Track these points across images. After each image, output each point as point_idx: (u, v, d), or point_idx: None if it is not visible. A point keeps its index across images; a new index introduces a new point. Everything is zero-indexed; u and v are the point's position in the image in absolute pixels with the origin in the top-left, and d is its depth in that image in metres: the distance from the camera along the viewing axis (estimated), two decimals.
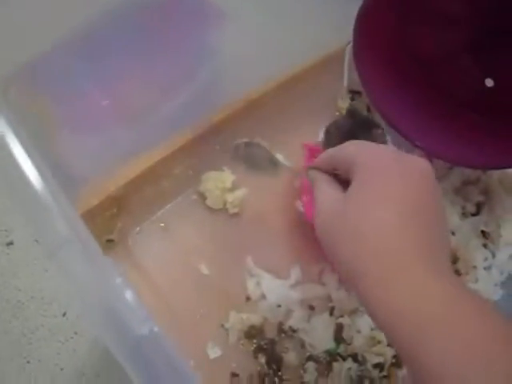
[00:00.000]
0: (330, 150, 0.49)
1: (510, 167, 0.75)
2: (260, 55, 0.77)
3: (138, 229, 0.77)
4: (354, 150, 0.45)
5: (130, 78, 0.72)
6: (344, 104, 0.89)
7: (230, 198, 0.77)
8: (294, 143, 0.79)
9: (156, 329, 0.35)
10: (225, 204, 0.78)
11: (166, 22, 0.72)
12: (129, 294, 0.36)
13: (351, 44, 0.80)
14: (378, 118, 0.84)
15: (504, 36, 0.72)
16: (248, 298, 0.74)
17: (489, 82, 0.77)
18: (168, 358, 0.35)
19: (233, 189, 0.78)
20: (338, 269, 0.41)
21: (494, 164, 0.75)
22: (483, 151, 0.76)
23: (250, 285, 0.74)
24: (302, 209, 0.76)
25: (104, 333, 0.35)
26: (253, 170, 0.75)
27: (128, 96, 0.73)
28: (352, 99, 0.90)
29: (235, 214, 0.78)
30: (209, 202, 0.78)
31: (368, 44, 0.79)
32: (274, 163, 0.76)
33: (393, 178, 0.41)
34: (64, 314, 1.03)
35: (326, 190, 0.46)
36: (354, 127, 0.79)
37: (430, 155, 0.81)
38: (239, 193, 0.78)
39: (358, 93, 0.90)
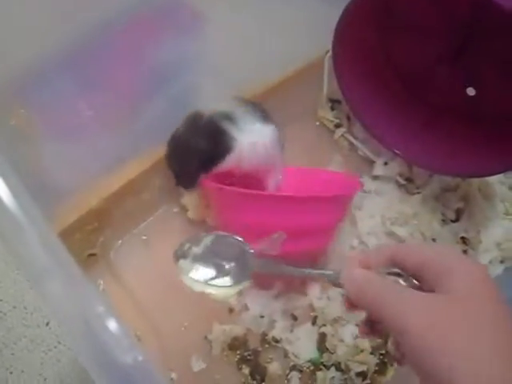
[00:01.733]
0: (406, 248, 0.44)
1: (489, 175, 0.76)
2: (237, 65, 0.77)
3: (119, 242, 0.77)
4: (456, 256, 0.42)
5: (113, 84, 0.71)
6: (324, 113, 0.89)
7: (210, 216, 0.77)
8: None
9: (140, 358, 0.35)
10: (205, 217, 0.78)
11: (145, 31, 0.71)
12: (112, 323, 0.35)
13: (330, 53, 0.80)
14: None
15: (481, 45, 0.73)
16: (231, 310, 0.74)
17: (470, 91, 0.78)
18: None
19: None
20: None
21: (473, 172, 0.76)
22: (463, 159, 0.77)
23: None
24: None
25: (88, 364, 0.35)
26: None
27: (111, 103, 0.72)
28: (332, 108, 0.91)
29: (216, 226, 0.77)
30: (190, 214, 0.78)
31: (347, 54, 0.79)
32: None
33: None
34: (47, 324, 1.01)
35: (407, 289, 0.41)
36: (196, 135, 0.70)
37: (409, 163, 0.83)
38: None
39: (338, 101, 0.90)
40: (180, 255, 0.53)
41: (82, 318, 0.36)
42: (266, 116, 0.72)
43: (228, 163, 0.70)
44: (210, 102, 0.72)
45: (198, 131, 0.69)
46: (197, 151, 0.69)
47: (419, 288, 0.41)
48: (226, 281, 0.53)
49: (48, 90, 0.63)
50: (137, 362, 0.35)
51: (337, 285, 0.46)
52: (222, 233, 0.54)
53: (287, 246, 0.59)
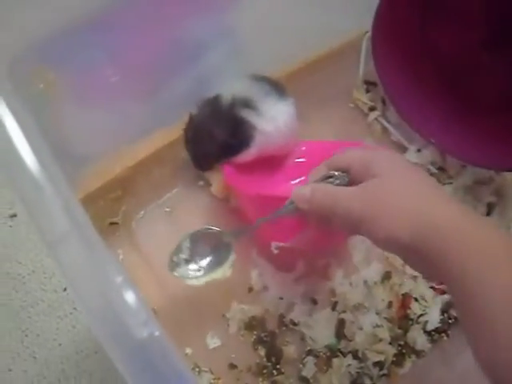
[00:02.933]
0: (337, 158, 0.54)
1: None
2: (274, 40, 0.75)
3: (142, 212, 0.76)
4: (371, 152, 0.52)
5: (141, 53, 0.69)
6: (359, 95, 0.88)
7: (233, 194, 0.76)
8: (305, 134, 0.76)
9: (157, 333, 0.34)
10: (228, 195, 0.77)
11: (176, 3, 0.70)
12: (130, 295, 0.34)
13: (369, 33, 0.79)
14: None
15: None
16: (250, 289, 0.73)
17: None
18: (167, 364, 0.34)
19: None
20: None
21: (509, 166, 0.73)
22: (499, 152, 0.75)
23: (253, 276, 0.73)
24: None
25: (102, 335, 0.33)
26: None
27: (139, 71, 0.71)
28: (367, 90, 0.88)
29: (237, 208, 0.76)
30: (213, 191, 0.76)
31: (387, 37, 0.77)
32: None
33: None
34: (64, 289, 1.02)
35: (344, 188, 0.51)
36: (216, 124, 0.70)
37: (443, 152, 0.81)
38: None
39: (374, 84, 0.88)
40: (173, 267, 0.60)
41: (99, 288, 0.35)
42: (282, 91, 0.72)
43: (250, 152, 0.70)
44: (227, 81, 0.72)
45: (218, 120, 0.69)
46: (217, 141, 0.69)
47: (348, 185, 0.51)
48: (219, 263, 0.60)
49: (76, 55, 0.63)
50: (153, 336, 0.33)
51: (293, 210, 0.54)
52: (192, 231, 0.60)
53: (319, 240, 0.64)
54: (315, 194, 0.51)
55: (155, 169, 0.75)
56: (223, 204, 0.77)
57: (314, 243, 0.65)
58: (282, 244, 0.63)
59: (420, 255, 0.44)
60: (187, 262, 0.59)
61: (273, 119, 0.69)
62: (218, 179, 0.75)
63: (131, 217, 0.75)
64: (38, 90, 0.61)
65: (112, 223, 0.74)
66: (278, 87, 0.72)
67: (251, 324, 0.71)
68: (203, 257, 0.59)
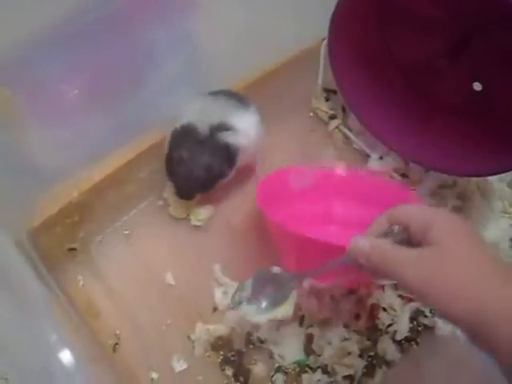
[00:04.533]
0: (395, 211, 0.52)
1: (488, 175, 0.75)
2: (232, 48, 0.75)
3: (101, 236, 0.74)
4: (432, 213, 0.49)
5: (98, 67, 0.69)
6: (318, 104, 0.87)
7: (195, 211, 0.76)
8: (265, 145, 0.77)
9: None
10: (188, 215, 0.76)
11: (135, 8, 0.70)
12: (66, 355, 0.33)
13: (326, 41, 0.78)
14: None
15: (484, 39, 0.71)
16: (215, 309, 0.72)
17: (477, 86, 0.75)
18: None
19: (199, 203, 0.77)
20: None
21: (472, 171, 0.74)
22: (461, 157, 0.75)
23: (218, 294, 0.72)
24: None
25: None
26: None
27: (96, 86, 0.70)
28: (327, 99, 0.88)
29: (197, 227, 0.76)
30: (172, 211, 0.75)
31: (344, 42, 0.77)
32: None
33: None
34: None
35: (401, 249, 0.48)
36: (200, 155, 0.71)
37: (405, 159, 0.81)
38: (205, 211, 0.76)
39: (334, 92, 0.88)
40: (235, 304, 0.59)
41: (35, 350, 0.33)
42: (244, 101, 0.75)
43: (232, 172, 0.74)
44: (192, 98, 0.74)
45: (201, 150, 0.71)
46: (204, 171, 0.70)
47: (408, 241, 0.49)
48: (281, 303, 0.59)
49: (32, 71, 0.62)
50: None
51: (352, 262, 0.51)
52: (258, 273, 0.59)
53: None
54: (373, 251, 0.49)
55: (112, 191, 0.73)
56: (184, 224, 0.76)
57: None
58: (317, 283, 0.66)
59: (469, 325, 0.44)
60: (249, 300, 0.59)
61: (245, 133, 0.73)
62: (176, 199, 0.74)
63: (90, 241, 0.73)
64: None
65: (70, 249, 0.72)
66: (240, 99, 0.74)
67: (217, 344, 0.70)
68: (265, 295, 0.59)
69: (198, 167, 0.70)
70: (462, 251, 0.46)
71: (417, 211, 0.50)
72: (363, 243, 0.50)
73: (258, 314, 0.59)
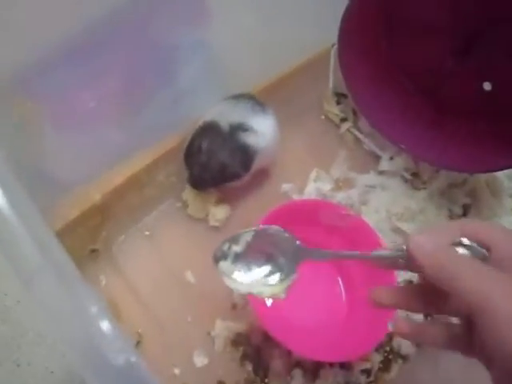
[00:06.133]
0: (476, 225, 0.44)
1: (497, 170, 0.74)
2: (247, 55, 0.76)
3: (122, 237, 0.76)
4: None
5: (117, 77, 0.70)
6: (330, 107, 0.88)
7: (212, 211, 0.77)
8: (289, 143, 0.79)
9: (133, 359, 0.34)
10: (207, 214, 0.77)
11: (151, 18, 0.69)
12: (105, 324, 0.35)
13: (336, 46, 0.79)
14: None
15: (491, 37, 0.71)
16: (234, 306, 0.74)
17: (487, 86, 0.75)
18: None
19: (217, 203, 0.78)
20: None
21: (481, 167, 0.74)
22: (470, 154, 0.75)
23: (236, 292, 0.73)
24: None
25: (80, 364, 0.34)
26: None
27: (116, 95, 0.70)
28: (338, 102, 0.89)
29: (215, 227, 0.78)
30: (190, 211, 0.77)
31: (353, 47, 0.78)
32: None
33: None
34: None
35: (482, 264, 0.40)
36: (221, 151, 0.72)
37: (416, 159, 0.82)
38: (222, 210, 0.78)
39: (344, 95, 0.89)
40: (220, 256, 0.50)
41: (74, 319, 0.35)
42: (262, 105, 0.76)
43: (247, 174, 0.75)
44: (208, 102, 0.76)
45: (221, 145, 0.72)
46: (222, 166, 0.72)
47: (485, 260, 0.41)
48: (274, 278, 0.49)
49: (53, 81, 0.62)
50: (129, 363, 0.34)
51: (399, 265, 0.45)
52: (262, 226, 0.50)
53: None
54: (440, 254, 0.41)
55: (132, 193, 0.75)
56: (202, 224, 0.78)
57: None
58: None
59: None
60: (237, 258, 0.49)
61: (263, 136, 0.74)
62: (194, 199, 0.76)
63: (112, 242, 0.75)
64: (14, 117, 0.61)
65: (93, 250, 0.74)
66: (258, 102, 0.76)
67: (237, 340, 0.72)
68: (260, 262, 0.49)
69: (214, 160, 0.72)
70: None
71: (504, 234, 0.42)
72: (425, 239, 0.42)
73: (239, 280, 0.49)
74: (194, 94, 0.76)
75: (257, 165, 0.75)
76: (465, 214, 0.83)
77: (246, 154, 0.73)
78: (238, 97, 0.77)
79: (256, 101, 0.76)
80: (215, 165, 0.72)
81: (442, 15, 0.73)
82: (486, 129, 0.76)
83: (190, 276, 0.75)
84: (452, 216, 0.82)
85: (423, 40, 0.77)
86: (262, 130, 0.74)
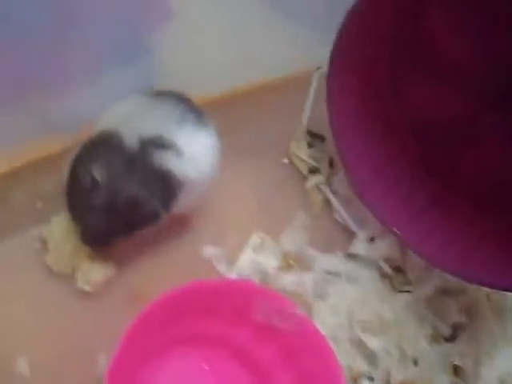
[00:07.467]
0: None
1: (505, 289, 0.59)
2: (201, 57, 0.65)
3: None
4: None
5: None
6: (298, 149, 0.71)
7: (84, 267, 0.54)
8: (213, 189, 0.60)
9: None
10: (73, 271, 0.54)
11: None
12: None
13: (324, 70, 0.65)
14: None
15: None
16: None
17: None
18: None
19: (94, 257, 0.56)
20: None
21: (489, 280, 0.58)
22: (480, 258, 0.60)
23: None
24: None
25: None
26: None
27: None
28: (310, 145, 0.72)
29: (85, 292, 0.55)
30: (50, 261, 0.54)
31: (347, 79, 0.64)
32: None
33: None
34: None
35: None
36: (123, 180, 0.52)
37: (407, 246, 0.66)
38: (100, 269, 0.55)
39: (320, 138, 0.72)
40: None
41: None
42: (198, 112, 0.57)
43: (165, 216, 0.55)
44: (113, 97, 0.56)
45: (127, 173, 0.51)
46: (132, 206, 0.51)
47: None
48: None
49: None
50: None
51: None
52: None
53: None
54: None
55: None
56: (65, 283, 0.55)
57: None
58: None
59: None
60: None
61: (193, 161, 0.54)
62: (60, 244, 0.54)
63: None
64: None
65: None
66: (193, 108, 0.56)
67: None
68: None
69: (122, 198, 0.51)
70: None
71: None
72: None
73: None
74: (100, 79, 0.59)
75: (178, 205, 0.54)
76: (453, 337, 0.66)
77: (165, 184, 0.52)
78: (161, 94, 0.56)
79: (189, 104, 0.55)
80: (123, 205, 0.51)
81: (469, 56, 0.62)
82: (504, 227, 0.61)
83: (23, 365, 0.51)
84: (436, 338, 0.66)
85: (438, 87, 0.65)
86: (193, 151, 0.53)
